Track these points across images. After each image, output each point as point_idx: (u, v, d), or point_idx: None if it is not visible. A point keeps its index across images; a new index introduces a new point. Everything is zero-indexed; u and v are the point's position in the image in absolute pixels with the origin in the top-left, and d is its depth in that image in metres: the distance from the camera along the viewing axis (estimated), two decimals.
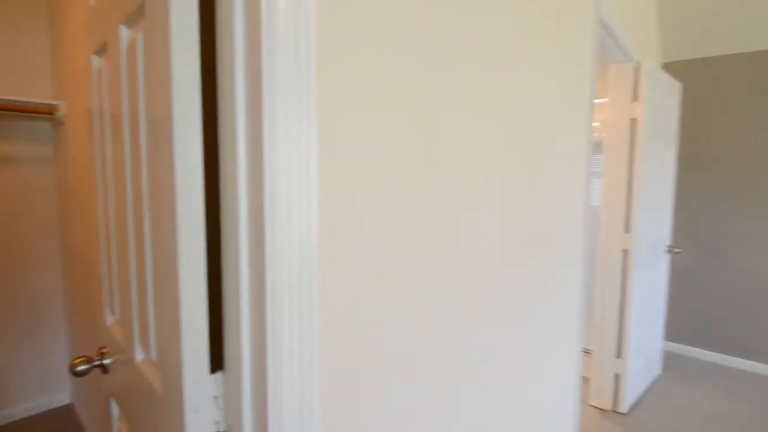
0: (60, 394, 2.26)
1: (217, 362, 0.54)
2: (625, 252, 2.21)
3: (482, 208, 0.80)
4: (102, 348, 0.95)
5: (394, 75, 0.59)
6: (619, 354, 2.27)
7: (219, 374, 0.55)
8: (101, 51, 0.84)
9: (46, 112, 1.98)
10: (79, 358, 0.91)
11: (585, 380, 2.51)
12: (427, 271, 0.68)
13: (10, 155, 2.05)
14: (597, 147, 2.64)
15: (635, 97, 2.16)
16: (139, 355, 0.71)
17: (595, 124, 2.81)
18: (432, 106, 0.66)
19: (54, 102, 2.00)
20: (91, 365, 0.92)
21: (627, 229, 2.20)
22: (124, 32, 0.68)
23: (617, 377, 2.28)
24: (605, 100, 2.42)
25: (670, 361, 2.93)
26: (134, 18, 0.63)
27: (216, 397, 0.55)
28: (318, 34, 0.49)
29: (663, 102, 2.36)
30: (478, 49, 0.75)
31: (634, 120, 2.17)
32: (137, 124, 0.64)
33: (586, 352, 2.55)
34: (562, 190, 1.10)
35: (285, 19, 0.44)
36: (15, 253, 2.09)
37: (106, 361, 0.93)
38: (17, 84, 2.06)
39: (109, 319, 0.92)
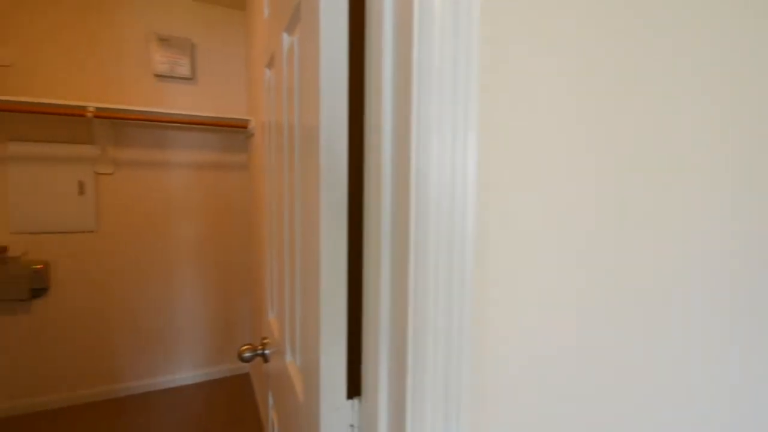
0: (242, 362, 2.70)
1: (354, 387, 0.49)
2: None
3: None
4: (264, 338, 1.03)
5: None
6: None
7: (356, 401, 0.49)
8: (270, 63, 0.90)
9: (241, 126, 2.37)
10: (245, 345, 1.01)
11: None
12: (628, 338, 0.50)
13: (220, 161, 2.53)
14: None
15: None
16: (288, 356, 0.73)
17: None
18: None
19: (246, 117, 2.37)
20: (255, 353, 1.01)
21: None
22: (286, 39, 0.70)
23: None
24: None
25: None
26: (293, 22, 0.63)
27: (352, 426, 0.49)
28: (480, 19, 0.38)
29: None
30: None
31: None
32: (293, 130, 0.64)
33: None
34: None
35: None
36: (224, 236, 2.57)
37: (267, 352, 1.01)
38: (226, 104, 2.53)
39: (271, 313, 0.99)
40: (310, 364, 0.53)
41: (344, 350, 0.47)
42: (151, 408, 2.26)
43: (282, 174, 0.75)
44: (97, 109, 2.03)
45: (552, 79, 0.43)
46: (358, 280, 0.47)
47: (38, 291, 2.15)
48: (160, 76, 2.36)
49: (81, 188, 2.20)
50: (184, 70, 2.39)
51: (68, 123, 2.16)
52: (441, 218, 0.35)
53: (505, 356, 0.43)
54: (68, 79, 2.17)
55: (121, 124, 2.27)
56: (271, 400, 0.98)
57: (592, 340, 0.48)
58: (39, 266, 2.11)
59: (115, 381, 2.37)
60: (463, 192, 0.36)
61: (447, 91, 0.35)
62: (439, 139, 0.35)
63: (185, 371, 2.54)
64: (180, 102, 2.42)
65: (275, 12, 0.80)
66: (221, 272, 2.60)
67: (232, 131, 2.55)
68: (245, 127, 2.39)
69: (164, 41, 2.33)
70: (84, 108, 1.99)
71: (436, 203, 0.35)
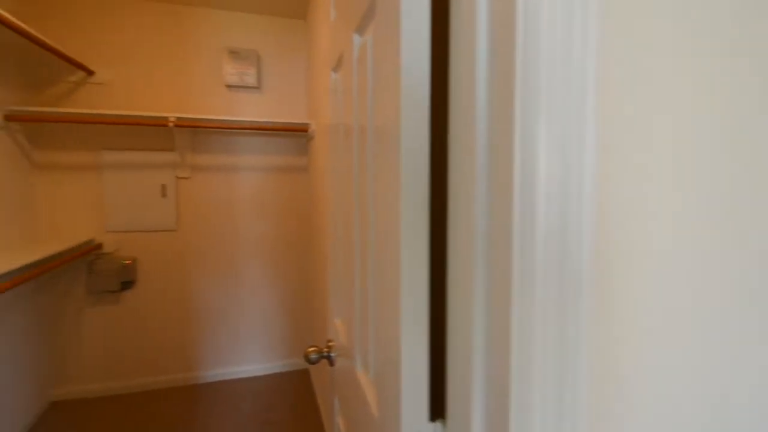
0: (301, 358, 2.77)
1: (438, 409, 0.45)
2: None
3: None
4: (329, 341, 1.03)
5: None
6: None
7: (438, 424, 0.46)
8: (337, 66, 0.89)
9: (302, 130, 2.44)
10: (312, 347, 1.02)
11: None
12: None
13: (283, 164, 2.63)
14: None
15: None
16: (358, 365, 0.71)
17: None
18: None
19: (307, 121, 2.44)
20: (320, 356, 1.01)
21: None
22: (356, 40, 0.68)
23: None
24: None
25: None
26: (365, 21, 0.62)
27: None
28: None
29: None
30: None
31: None
32: (364, 132, 0.63)
33: None
34: None
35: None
36: (287, 235, 2.67)
37: (333, 355, 1.01)
38: (288, 110, 2.62)
39: (336, 315, 0.99)
40: (386, 378, 0.51)
41: (426, 368, 0.44)
42: (220, 397, 2.40)
43: (350, 175, 0.74)
44: (177, 118, 2.19)
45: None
46: (441, 289, 0.44)
47: (127, 284, 2.36)
48: (230, 87, 2.50)
49: (163, 191, 2.39)
50: (251, 79, 2.51)
51: (153, 132, 2.36)
52: (552, 226, 0.31)
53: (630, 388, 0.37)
54: (152, 93, 2.37)
55: (197, 132, 2.44)
56: (337, 405, 0.98)
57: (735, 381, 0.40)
58: (128, 261, 2.33)
59: (190, 369, 2.54)
60: (579, 192, 0.31)
61: (560, 87, 0.31)
62: (550, 133, 0.31)
63: (250, 364, 2.66)
64: (247, 110, 2.55)
65: (343, 13, 0.79)
66: (285, 270, 2.70)
67: (294, 135, 2.63)
68: (306, 131, 2.45)
69: (234, 54, 2.46)
70: (166, 118, 2.16)
71: (545, 206, 0.31)
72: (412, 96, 0.43)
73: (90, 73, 2.25)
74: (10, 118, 1.94)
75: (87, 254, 2.22)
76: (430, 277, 0.44)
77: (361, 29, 0.65)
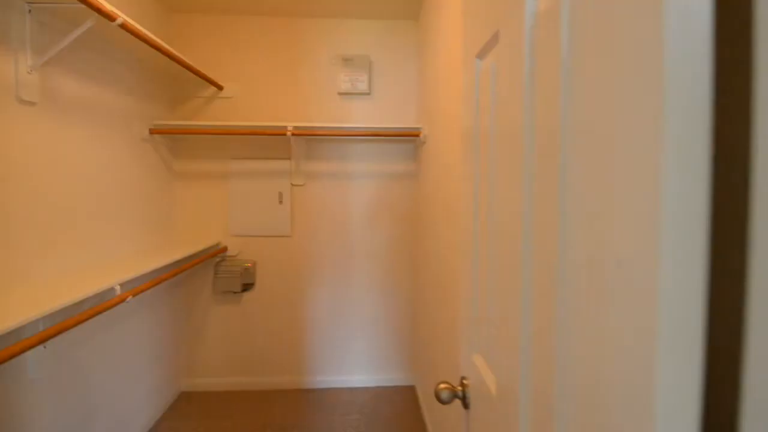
0: (407, 373, 2.65)
1: None
2: None
3: None
4: (464, 378, 0.87)
5: None
6: None
7: None
8: (485, 51, 0.74)
9: (413, 134, 2.34)
10: (443, 383, 0.87)
11: None
12: None
13: (391, 170, 2.57)
14: None
15: None
16: (525, 426, 0.54)
17: None
18: None
19: (418, 125, 2.33)
20: (453, 395, 0.86)
21: None
22: (530, 5, 0.52)
23: None
24: None
25: None
26: None
27: None
28: None
29: None
30: None
31: None
32: (552, 132, 0.46)
33: None
34: None
35: None
36: (396, 243, 2.60)
37: (468, 396, 0.85)
38: (398, 115, 2.56)
39: (473, 350, 0.83)
40: None
41: None
42: (325, 405, 2.39)
43: (517, 182, 0.58)
44: (294, 127, 2.25)
45: None
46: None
47: (247, 285, 2.50)
48: (342, 94, 2.51)
49: (280, 198, 2.49)
50: (362, 85, 2.49)
51: (272, 141, 2.47)
52: None
53: None
54: (271, 104, 2.49)
55: (311, 140, 2.50)
56: None
57: None
58: (248, 264, 2.46)
59: (299, 373, 2.59)
60: None
61: None
62: None
63: (355, 374, 2.62)
64: (358, 116, 2.54)
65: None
66: (394, 281, 2.62)
67: (404, 140, 2.54)
68: (417, 135, 2.35)
69: (347, 61, 2.47)
70: (285, 127, 2.24)
71: None
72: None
73: (220, 88, 2.44)
74: (154, 131, 2.18)
75: (214, 256, 2.40)
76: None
77: None
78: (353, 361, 2.63)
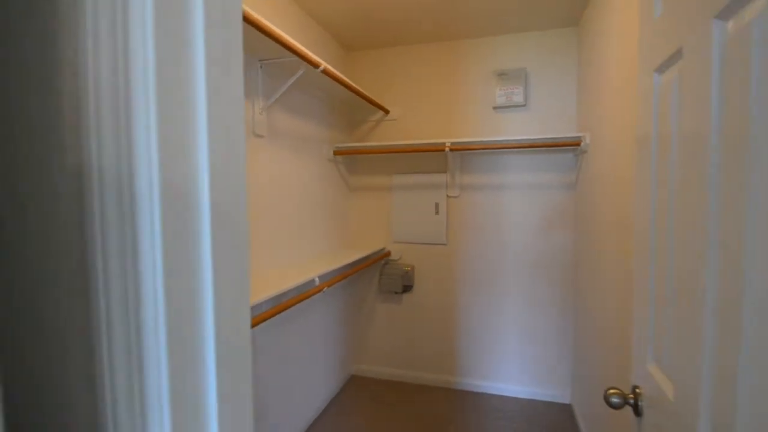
0: (563, 390, 2.53)
1: None
2: None
3: None
4: (637, 387, 0.87)
5: None
6: None
7: None
8: (667, 64, 0.76)
9: (574, 144, 2.27)
10: (613, 389, 0.89)
11: None
12: None
13: (547, 180, 2.53)
14: None
15: None
16: None
17: None
18: None
19: (578, 134, 2.25)
20: (624, 401, 0.87)
21: None
22: (718, 25, 0.55)
23: None
24: None
25: None
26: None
27: None
28: None
29: None
30: None
31: None
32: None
33: None
34: None
35: None
36: (552, 254, 2.55)
37: (641, 404, 0.85)
38: (555, 124, 2.51)
39: (649, 360, 0.83)
40: None
41: None
42: (477, 408, 2.46)
43: (705, 192, 0.60)
44: (452, 143, 2.43)
45: None
46: None
47: (407, 287, 2.78)
48: (497, 108, 2.59)
49: (436, 209, 2.70)
50: (518, 98, 2.53)
51: (430, 157, 2.71)
52: None
53: None
54: (430, 122, 2.73)
55: (466, 154, 2.65)
56: None
57: None
58: (408, 268, 2.73)
59: (451, 373, 2.73)
60: None
61: None
62: None
63: (505, 382, 2.63)
64: (512, 128, 2.58)
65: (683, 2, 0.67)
66: (549, 291, 2.55)
67: (560, 150, 2.47)
68: (578, 145, 2.26)
69: (502, 75, 2.54)
70: (443, 144, 2.44)
71: None
72: None
73: (386, 112, 2.79)
74: (337, 152, 2.63)
75: (380, 260, 2.74)
76: None
77: (726, 13, 0.52)
78: (505, 370, 2.64)
